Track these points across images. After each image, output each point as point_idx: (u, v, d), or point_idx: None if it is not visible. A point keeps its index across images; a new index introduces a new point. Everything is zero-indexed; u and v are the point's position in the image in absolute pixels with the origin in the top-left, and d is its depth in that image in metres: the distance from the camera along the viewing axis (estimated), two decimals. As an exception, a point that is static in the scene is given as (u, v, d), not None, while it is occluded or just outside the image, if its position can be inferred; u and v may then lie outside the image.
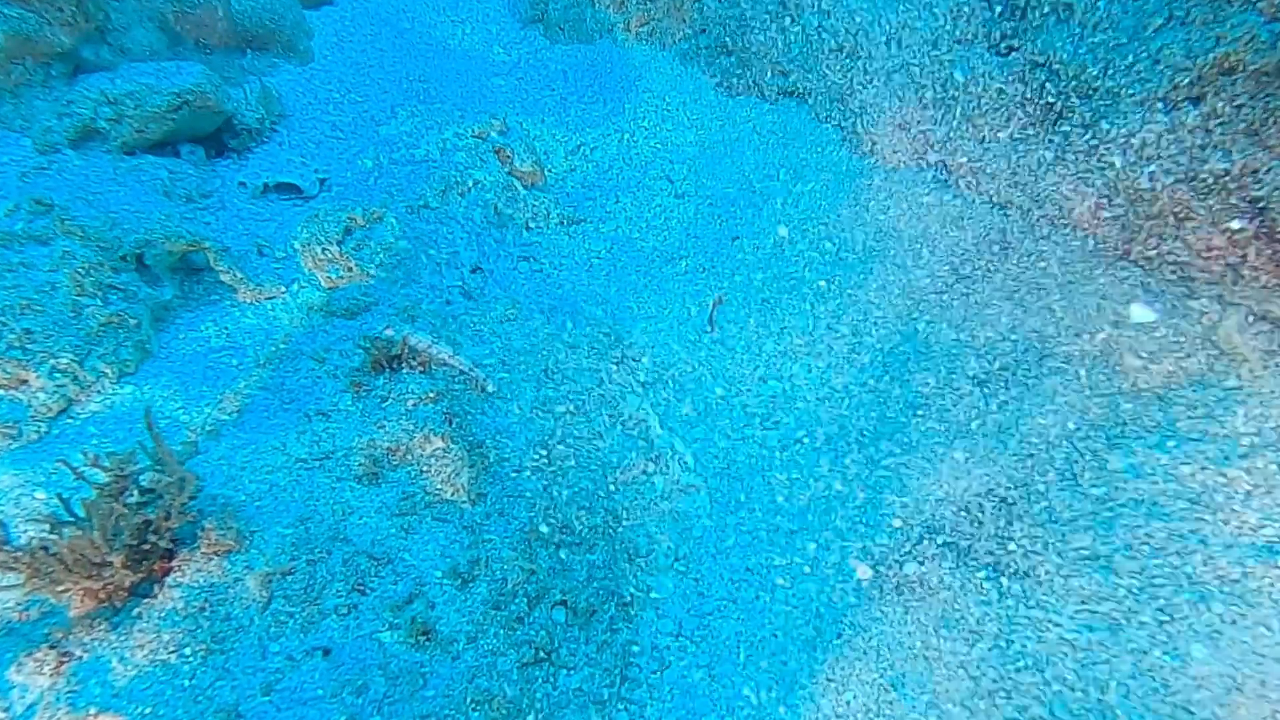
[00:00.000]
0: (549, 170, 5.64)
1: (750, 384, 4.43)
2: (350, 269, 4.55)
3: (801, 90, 5.32)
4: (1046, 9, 3.71)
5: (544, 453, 3.84)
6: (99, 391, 4.03)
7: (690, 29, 5.87)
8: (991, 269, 4.21)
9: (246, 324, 4.46)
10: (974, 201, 4.39)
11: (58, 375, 3.89)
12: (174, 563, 3.14)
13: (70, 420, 3.95)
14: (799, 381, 4.38)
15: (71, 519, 3.03)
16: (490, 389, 3.90)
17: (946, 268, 4.35)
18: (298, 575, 3.17)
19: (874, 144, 4.85)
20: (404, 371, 3.77)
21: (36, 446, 3.82)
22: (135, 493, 3.10)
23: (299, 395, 3.71)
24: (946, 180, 4.49)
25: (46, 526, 3.00)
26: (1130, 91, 3.30)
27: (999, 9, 4.00)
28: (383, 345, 3.74)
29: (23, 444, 3.80)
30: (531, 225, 5.27)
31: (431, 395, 3.72)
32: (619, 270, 5.10)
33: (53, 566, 2.97)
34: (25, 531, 3.31)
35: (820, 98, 5.19)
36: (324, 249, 4.53)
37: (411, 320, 3.97)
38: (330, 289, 4.57)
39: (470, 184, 5.12)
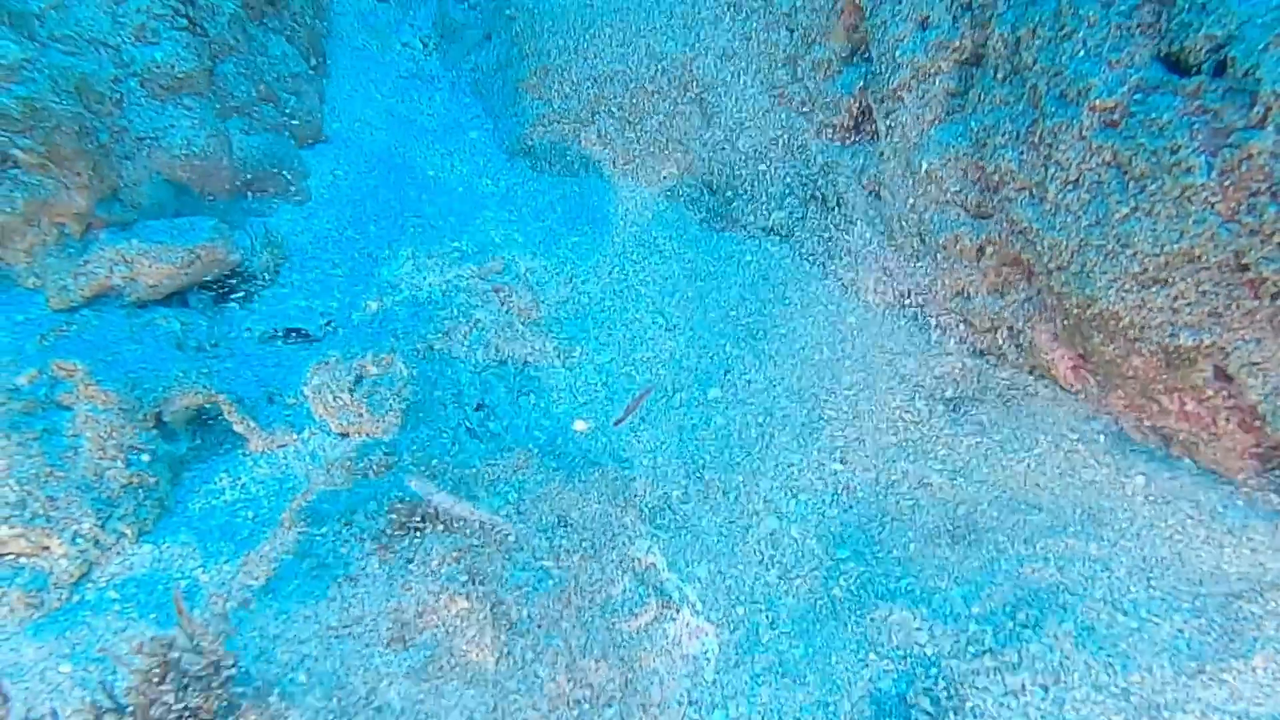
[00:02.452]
0: (543, 302, 5.86)
1: (750, 521, 4.63)
2: (361, 414, 4.69)
3: (785, 230, 5.64)
4: (1019, 185, 4.06)
5: (561, 605, 3.98)
6: (119, 553, 4.09)
7: (675, 167, 6.20)
8: (972, 414, 4.49)
9: (260, 474, 4.56)
10: (955, 347, 4.69)
11: (79, 540, 3.95)
12: (214, 745, 3.20)
13: (91, 584, 4.00)
14: (795, 518, 4.59)
15: (114, 708, 3.08)
16: (510, 542, 4.04)
17: (928, 410, 4.63)
18: (335, 751, 3.24)
19: (857, 285, 5.16)
20: (428, 530, 3.90)
21: (58, 615, 3.86)
22: (176, 678, 3.17)
23: (327, 560, 3.81)
24: (928, 325, 4.79)
25: (90, 717, 3.05)
26: (1102, 270, 3.64)
27: (973, 179, 4.35)
28: (407, 506, 3.88)
29: (45, 613, 3.84)
30: (530, 360, 5.47)
31: (455, 554, 3.85)
32: (616, 403, 5.30)
33: (97, 758, 3.02)
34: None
35: (803, 238, 5.51)
36: (335, 396, 4.67)
37: (433, 477, 4.11)
38: (342, 435, 4.71)
39: (472, 324, 5.31)
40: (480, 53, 7.69)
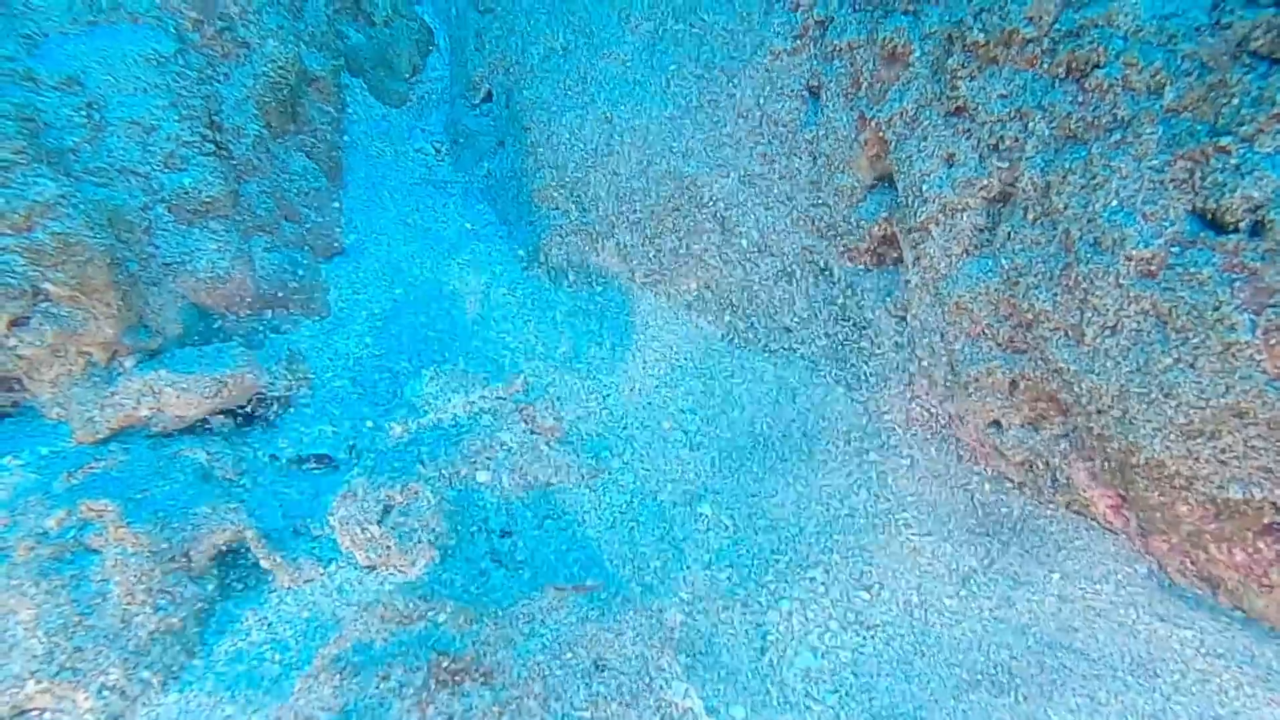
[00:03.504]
0: (565, 420, 5.83)
1: (783, 656, 4.55)
2: (389, 547, 4.61)
3: (808, 350, 5.68)
4: (1054, 325, 4.11)
5: (603, 758, 3.87)
6: (144, 704, 3.96)
7: (696, 283, 6.26)
8: (1006, 549, 4.47)
9: (286, 613, 4.45)
10: (988, 478, 4.69)
11: (106, 693, 3.83)
12: None
13: (116, 740, 3.86)
14: (828, 654, 4.51)
15: None
16: (549, 692, 3.95)
17: (960, 543, 4.60)
18: None
19: (883, 409, 5.17)
20: (468, 684, 3.81)
21: (83, 776, 3.72)
22: None
23: (366, 718, 3.70)
24: (959, 454, 4.80)
25: None
26: (1146, 418, 3.67)
27: (1004, 314, 4.41)
28: (447, 658, 3.79)
29: (69, 774, 3.70)
30: (554, 482, 5.42)
31: (496, 709, 3.76)
32: (641, 526, 5.25)
33: None
34: None
35: (828, 359, 5.55)
36: (363, 529, 4.60)
37: (470, 624, 4.03)
38: (369, 568, 4.63)
39: (498, 447, 5.27)
40: (493, 159, 7.79)
